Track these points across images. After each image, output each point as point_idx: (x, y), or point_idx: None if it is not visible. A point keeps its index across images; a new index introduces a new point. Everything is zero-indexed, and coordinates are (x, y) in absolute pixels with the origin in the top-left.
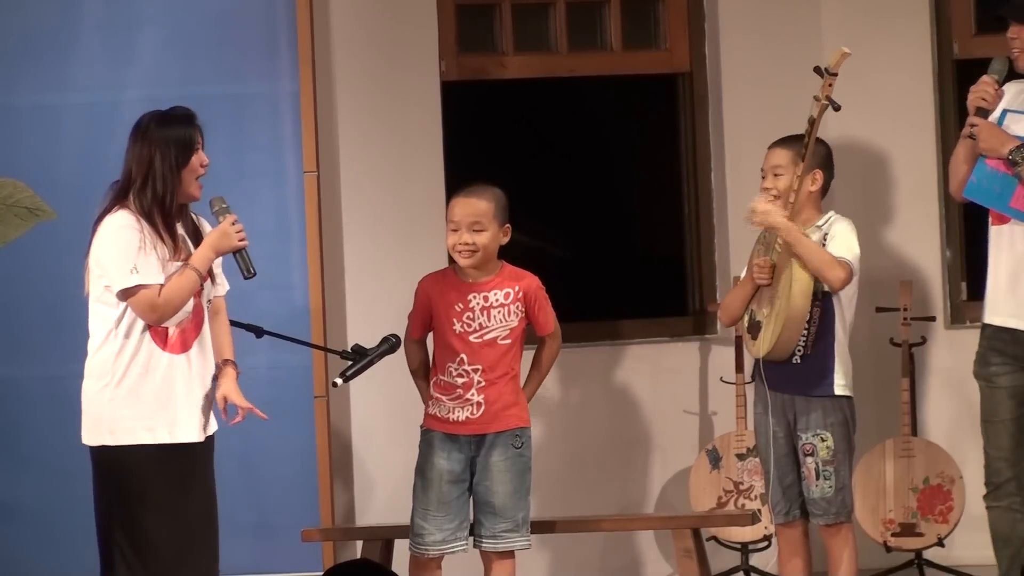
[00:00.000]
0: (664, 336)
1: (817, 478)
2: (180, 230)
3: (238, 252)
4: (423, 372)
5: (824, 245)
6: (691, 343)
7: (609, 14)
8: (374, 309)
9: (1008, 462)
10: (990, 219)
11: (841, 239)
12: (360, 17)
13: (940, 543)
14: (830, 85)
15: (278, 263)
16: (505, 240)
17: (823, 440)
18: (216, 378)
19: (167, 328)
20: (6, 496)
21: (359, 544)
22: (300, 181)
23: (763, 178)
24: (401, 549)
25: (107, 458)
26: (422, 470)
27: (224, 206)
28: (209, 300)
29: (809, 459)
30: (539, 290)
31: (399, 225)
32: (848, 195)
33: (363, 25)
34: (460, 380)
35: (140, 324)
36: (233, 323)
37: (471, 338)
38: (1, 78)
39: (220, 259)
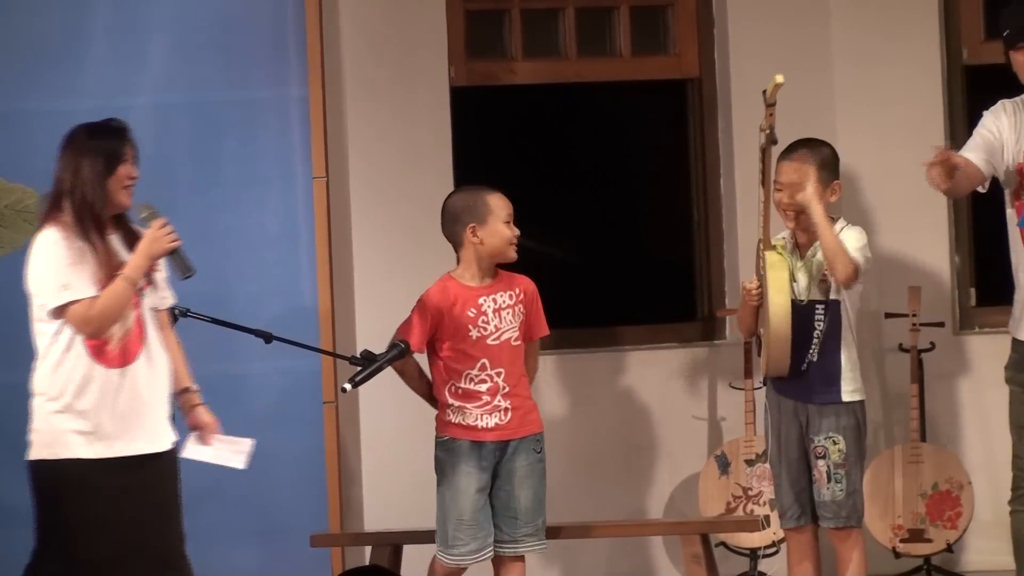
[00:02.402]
0: (673, 342)
1: (828, 481)
2: (116, 240)
3: (173, 253)
4: (413, 372)
5: None
6: (700, 349)
7: (618, 20)
8: (383, 314)
9: None
10: (1019, 236)
11: (852, 241)
12: (369, 22)
13: (949, 549)
14: (771, 115)
15: (287, 269)
16: None
17: (835, 443)
18: (182, 408)
19: (107, 342)
20: (11, 500)
21: (368, 550)
22: (309, 186)
23: (779, 189)
24: (410, 555)
25: (44, 472)
26: (450, 480)
27: (152, 211)
28: (154, 310)
29: (821, 462)
30: (536, 292)
31: (408, 230)
32: (857, 201)
33: (372, 30)
34: (484, 386)
35: (79, 338)
36: (242, 328)
37: (489, 341)
38: (11, 84)
39: (166, 272)
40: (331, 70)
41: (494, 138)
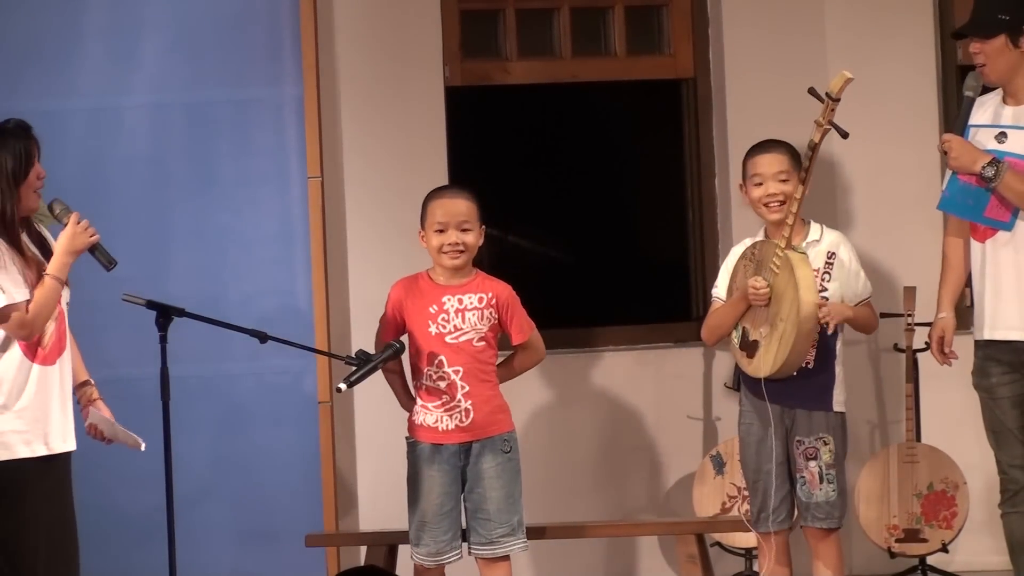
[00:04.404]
0: (668, 341)
1: (820, 481)
2: (27, 241)
3: (94, 248)
4: (395, 367)
5: (830, 266)
6: (695, 348)
7: (613, 19)
8: (378, 314)
9: (1023, 469)
10: (971, 238)
11: (860, 273)
12: (364, 22)
13: (944, 549)
14: (832, 110)
15: (282, 268)
16: (481, 242)
17: (826, 443)
18: (80, 401)
19: (40, 339)
20: None
21: (363, 550)
22: (304, 186)
23: (759, 184)
24: (405, 554)
25: None
26: (413, 481)
27: (65, 207)
28: (67, 303)
29: (812, 463)
30: (512, 298)
31: (403, 230)
32: (852, 201)
33: (367, 30)
34: (442, 384)
35: (12, 339)
36: (237, 328)
37: (447, 339)
38: (5, 83)
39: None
40: (326, 69)
41: (489, 138)
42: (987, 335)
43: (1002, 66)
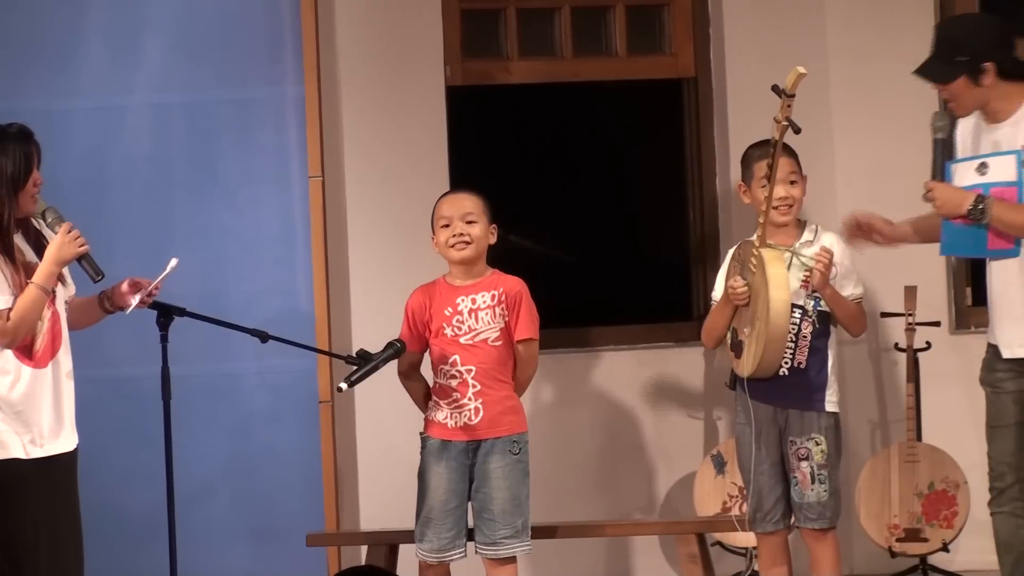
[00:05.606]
0: (669, 341)
1: (812, 482)
2: (21, 242)
3: (82, 258)
4: (411, 373)
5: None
6: (695, 348)
7: (614, 19)
8: (379, 314)
9: (1011, 467)
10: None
11: (853, 274)
12: (365, 22)
13: (945, 548)
14: (788, 107)
15: (283, 268)
16: (492, 241)
17: (817, 444)
18: (112, 303)
19: (33, 342)
20: None
21: (364, 549)
22: (305, 186)
23: (767, 184)
24: (406, 554)
25: None
26: (422, 476)
27: (57, 215)
28: (66, 302)
29: (804, 463)
30: (521, 294)
31: (404, 230)
32: (853, 199)
33: (368, 30)
34: (455, 382)
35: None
36: (238, 328)
37: (462, 340)
38: (7, 83)
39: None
40: (327, 69)
41: (490, 137)
42: (999, 349)
43: (970, 103)
